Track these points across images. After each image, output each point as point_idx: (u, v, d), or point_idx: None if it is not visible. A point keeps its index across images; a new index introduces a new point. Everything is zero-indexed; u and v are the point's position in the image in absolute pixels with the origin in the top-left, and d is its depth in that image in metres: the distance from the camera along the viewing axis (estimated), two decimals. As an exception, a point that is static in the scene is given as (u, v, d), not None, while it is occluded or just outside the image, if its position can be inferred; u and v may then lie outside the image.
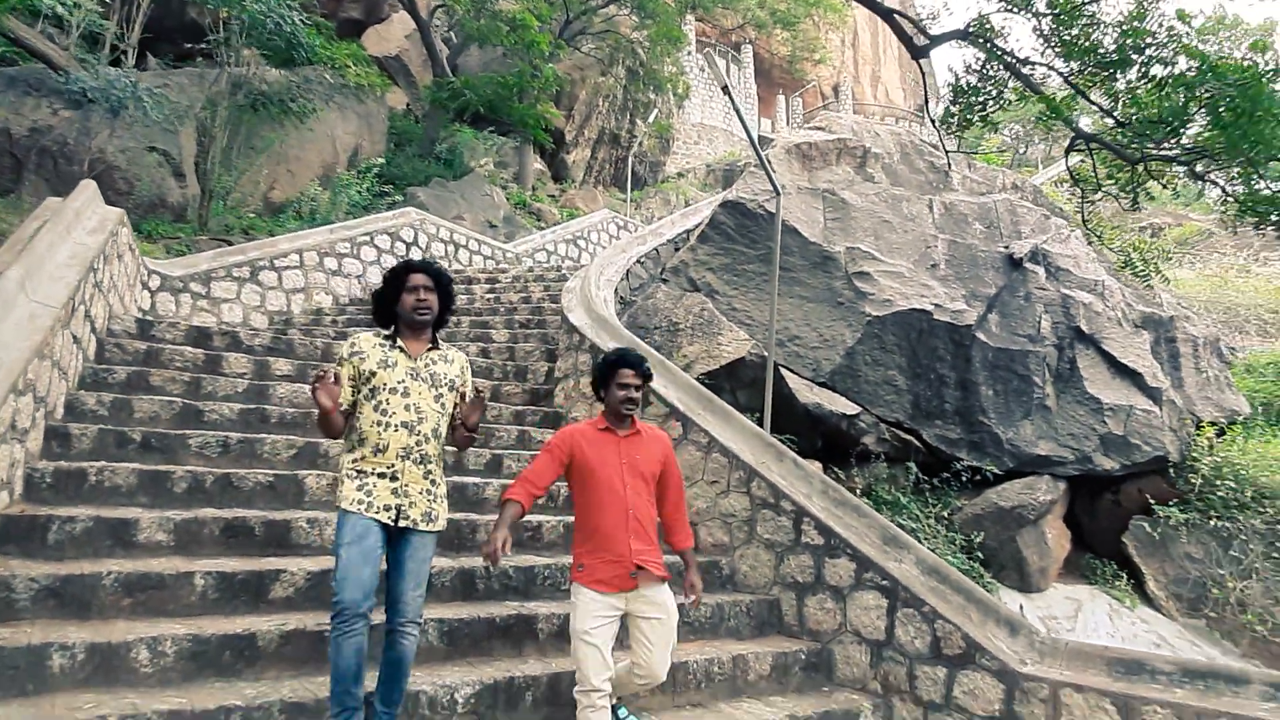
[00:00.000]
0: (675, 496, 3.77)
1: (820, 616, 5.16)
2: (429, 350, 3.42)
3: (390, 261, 11.45)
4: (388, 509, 3.21)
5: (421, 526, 3.28)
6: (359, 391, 3.31)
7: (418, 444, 3.28)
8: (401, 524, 3.22)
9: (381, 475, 3.22)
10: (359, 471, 3.24)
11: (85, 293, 5.24)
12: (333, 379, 3.18)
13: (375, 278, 11.09)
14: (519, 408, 7.27)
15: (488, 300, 10.22)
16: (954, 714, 4.48)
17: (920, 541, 5.16)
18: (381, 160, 14.69)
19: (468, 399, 3.44)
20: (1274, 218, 6.23)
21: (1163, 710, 3.77)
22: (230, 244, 11.28)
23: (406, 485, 3.25)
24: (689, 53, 30.10)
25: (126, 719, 3.10)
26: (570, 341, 7.50)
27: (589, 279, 8.14)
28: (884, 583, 4.89)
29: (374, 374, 3.28)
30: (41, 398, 4.43)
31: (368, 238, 11.15)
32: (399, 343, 3.37)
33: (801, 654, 4.98)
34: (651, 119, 22.27)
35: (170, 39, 14.99)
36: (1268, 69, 5.45)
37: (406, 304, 3.35)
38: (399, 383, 3.29)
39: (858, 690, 4.86)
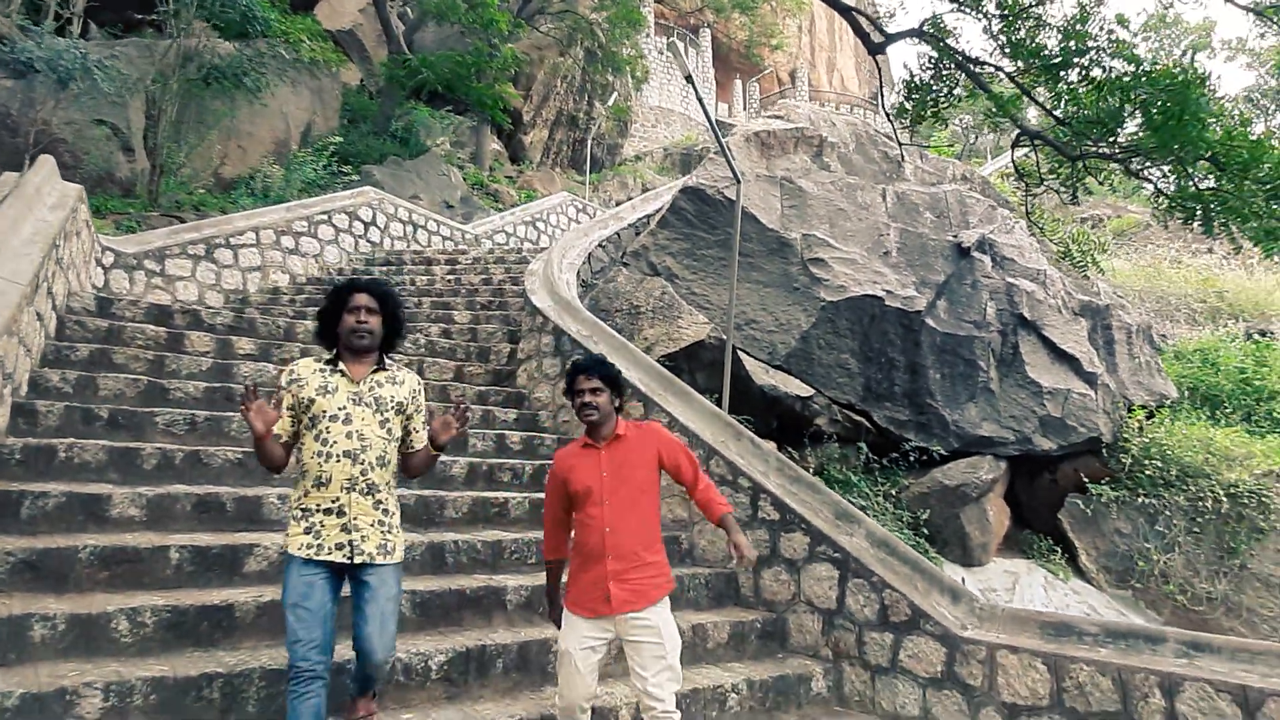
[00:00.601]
0: (691, 477, 3.55)
1: (775, 588, 5.41)
2: (374, 372, 3.19)
3: (349, 242, 11.40)
4: (340, 547, 2.99)
5: (378, 560, 3.05)
6: (299, 422, 3.09)
7: (363, 473, 3.05)
8: (357, 560, 3.01)
9: (328, 511, 3.01)
10: (304, 510, 3.03)
11: (48, 270, 5.21)
12: (270, 400, 2.98)
13: (333, 257, 11.04)
14: (482, 388, 7.39)
15: (449, 281, 10.25)
16: (900, 676, 4.77)
17: (870, 518, 5.44)
18: (339, 138, 14.49)
19: (419, 423, 3.28)
20: (1200, 214, 6.64)
21: (1088, 667, 4.10)
22: (182, 220, 11.09)
23: (356, 519, 3.03)
24: (647, 35, 30.12)
25: (112, 685, 3.20)
26: (533, 324, 7.63)
27: (552, 262, 8.26)
28: (836, 555, 5.16)
29: (313, 401, 3.05)
30: (9, 374, 4.43)
31: (325, 216, 11.06)
32: (340, 366, 3.15)
33: (758, 623, 5.23)
34: (611, 101, 22.28)
35: (116, 8, 14.54)
36: (1195, 76, 5.82)
37: (345, 324, 3.13)
38: (340, 409, 3.06)
39: (810, 656, 5.12)
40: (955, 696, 4.54)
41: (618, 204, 17.70)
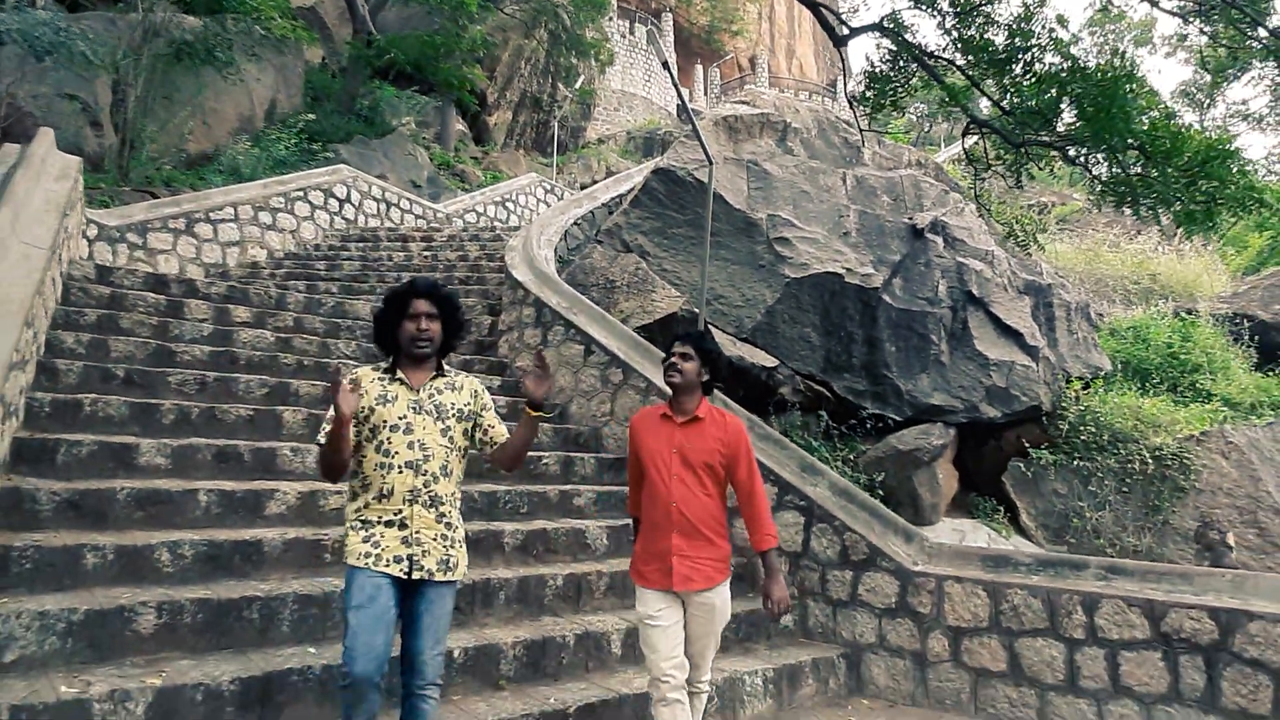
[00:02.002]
0: (745, 493, 3.38)
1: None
2: (433, 379, 3.07)
3: (324, 218, 11.60)
4: (399, 560, 2.87)
5: (438, 577, 2.92)
6: (360, 433, 2.97)
7: (426, 485, 2.93)
8: (416, 576, 2.87)
9: (389, 524, 2.90)
10: (364, 522, 2.93)
11: (60, 237, 5.45)
12: (349, 384, 2.81)
13: (310, 233, 11.24)
14: (466, 357, 7.75)
15: (425, 258, 10.55)
16: (858, 609, 5.32)
17: (832, 471, 5.96)
18: (311, 116, 14.59)
19: (492, 419, 3.13)
20: (1130, 198, 7.28)
21: (1022, 590, 4.68)
22: (154, 196, 11.19)
23: (418, 532, 2.91)
24: (610, 18, 30.33)
25: (164, 605, 3.56)
26: (514, 296, 8.01)
27: (531, 238, 8.64)
28: (802, 503, 5.68)
29: (373, 411, 2.95)
30: (35, 334, 4.70)
31: (301, 193, 11.26)
32: (399, 374, 3.03)
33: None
34: (579, 84, 22.53)
35: (77, -20, 14.40)
36: (1123, 71, 6.43)
37: (406, 332, 2.99)
38: (400, 418, 2.95)
39: (778, 594, 5.64)
40: (907, 623, 5.10)
41: (583, 186, 18.06)
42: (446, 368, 3.17)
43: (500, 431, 3.14)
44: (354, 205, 12.15)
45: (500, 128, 23.31)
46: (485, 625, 4.44)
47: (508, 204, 15.61)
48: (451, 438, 3.03)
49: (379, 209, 12.67)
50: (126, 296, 6.27)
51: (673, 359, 3.41)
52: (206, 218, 9.76)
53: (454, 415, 3.04)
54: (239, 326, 6.58)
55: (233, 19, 14.17)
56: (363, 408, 2.94)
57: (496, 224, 14.72)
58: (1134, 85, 6.50)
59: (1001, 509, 9.26)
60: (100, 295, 6.16)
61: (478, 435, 3.12)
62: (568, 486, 5.98)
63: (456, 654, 3.99)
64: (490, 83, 21.96)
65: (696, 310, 8.15)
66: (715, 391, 3.62)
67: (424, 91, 20.38)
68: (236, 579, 4.04)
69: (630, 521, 3.86)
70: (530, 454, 6.17)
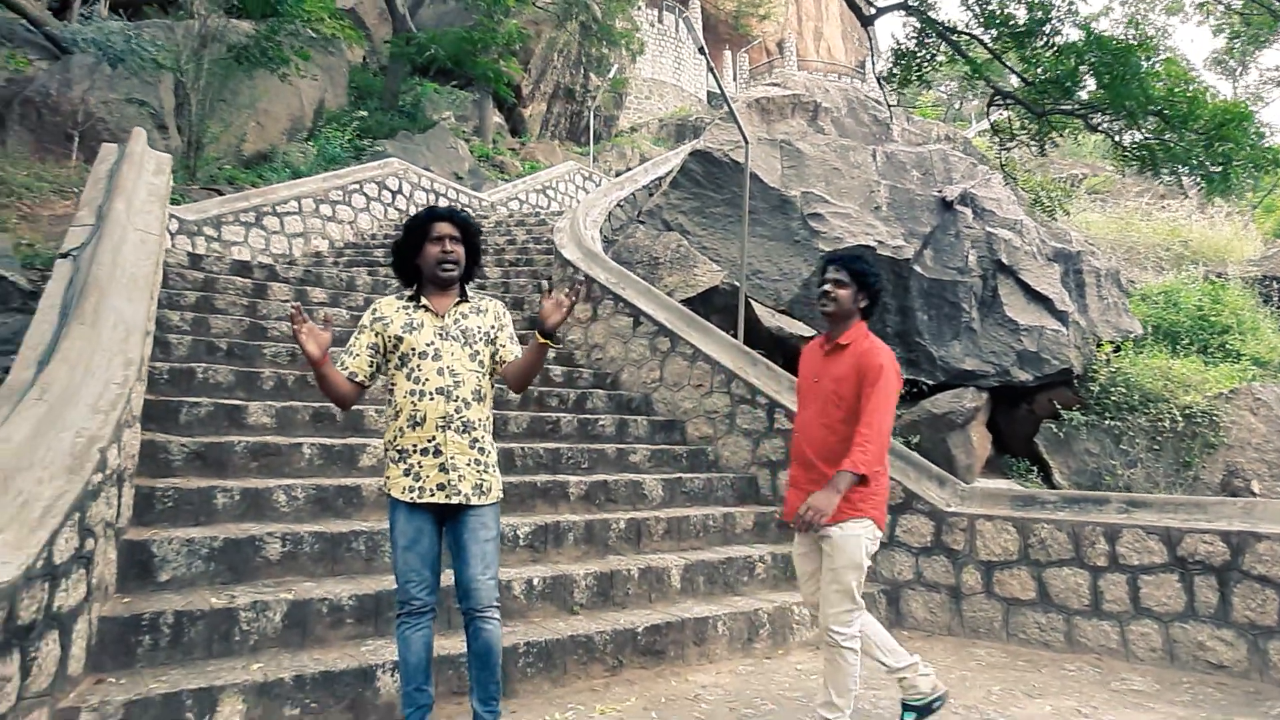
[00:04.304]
0: (860, 414, 3.12)
1: (790, 486, 6.36)
2: (457, 304, 3.08)
3: (379, 209, 12.21)
4: (441, 488, 2.92)
5: (474, 501, 2.95)
6: (389, 361, 3.02)
7: (457, 411, 2.94)
8: (454, 500, 2.93)
9: (424, 451, 2.92)
10: (400, 451, 2.96)
11: (162, 225, 6.05)
12: (318, 323, 2.88)
13: (366, 223, 11.86)
14: (522, 331, 8.26)
15: (475, 243, 11.09)
16: (896, 549, 5.73)
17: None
18: (364, 113, 15.21)
19: (507, 338, 3.13)
20: (1150, 161, 7.54)
21: (1048, 525, 5.08)
22: (220, 193, 11.87)
23: (453, 458, 2.93)
24: (639, 7, 30.65)
25: (286, 535, 4.12)
26: (564, 274, 8.50)
27: (577, 219, 9.13)
28: (841, 454, 6.10)
29: (400, 339, 2.97)
30: (152, 310, 5.29)
31: (357, 186, 11.88)
32: (424, 301, 3.05)
33: (776, 515, 6.18)
34: (612, 74, 22.97)
35: (139, -10, 15.17)
36: (1138, 40, 6.71)
37: (430, 256, 3.00)
38: (428, 345, 2.97)
39: (821, 539, 6.08)
40: (942, 560, 5.51)
41: (618, 174, 18.52)
42: (470, 292, 3.17)
43: (511, 350, 3.13)
44: (405, 196, 12.74)
45: (535, 119, 23.84)
46: (558, 562, 4.95)
47: (548, 191, 16.14)
48: (481, 362, 3.04)
49: (428, 199, 13.26)
50: (217, 280, 6.88)
51: (825, 286, 3.22)
52: (273, 210, 10.39)
53: (481, 339, 3.06)
54: (317, 305, 7.16)
55: (284, 21, 14.85)
56: (390, 337, 2.98)
57: (539, 210, 15.26)
58: (1148, 53, 6.78)
59: (1034, 469, 9.58)
60: (195, 279, 6.77)
61: (491, 350, 3.10)
62: (624, 445, 6.47)
63: (536, 583, 4.50)
64: (525, 75, 22.50)
65: (737, 284, 8.58)
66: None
67: (462, 86, 20.98)
68: (342, 519, 4.59)
69: None
70: (587, 416, 6.73)
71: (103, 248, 4.67)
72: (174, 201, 11.54)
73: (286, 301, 7.03)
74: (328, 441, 5.06)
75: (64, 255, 4.71)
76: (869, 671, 4.57)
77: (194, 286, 6.68)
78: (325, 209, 11.16)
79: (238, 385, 5.43)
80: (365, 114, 15.37)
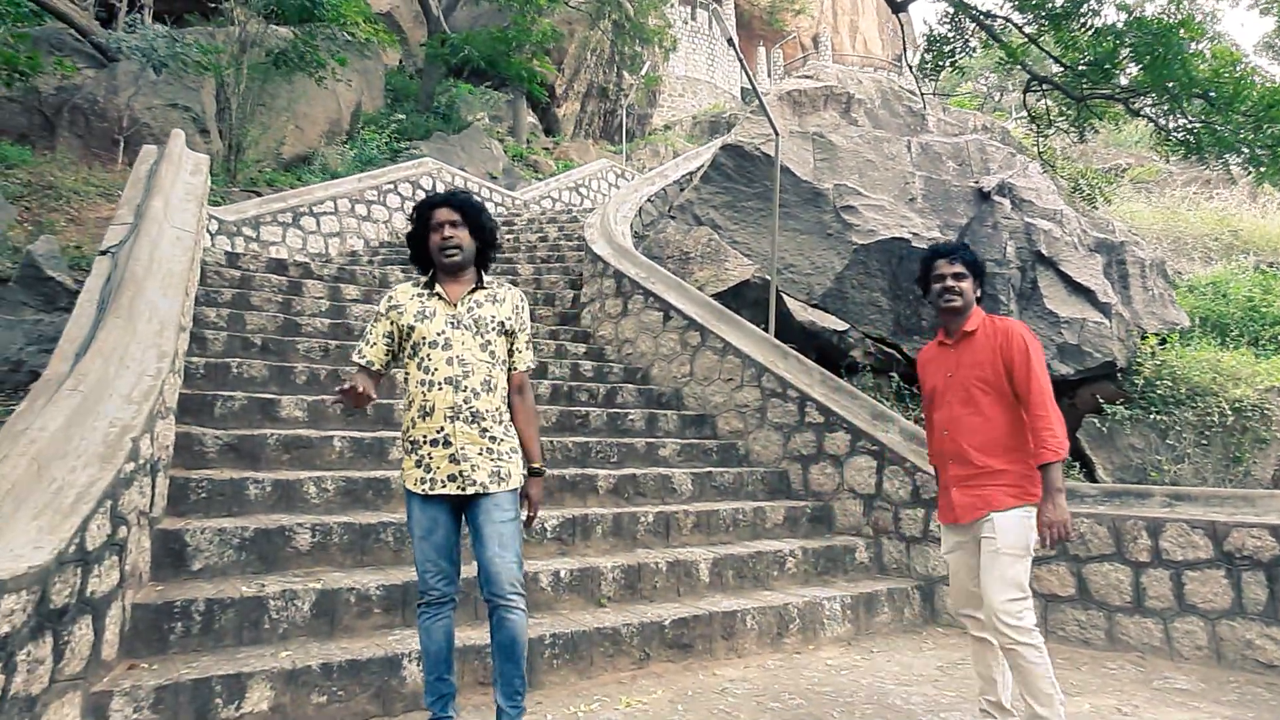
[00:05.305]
0: (1021, 399, 3.04)
1: (822, 480, 6.28)
2: (472, 292, 3.04)
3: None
4: (452, 479, 2.90)
5: (491, 489, 2.91)
6: (403, 350, 3.02)
7: (466, 401, 2.91)
8: (469, 491, 2.90)
9: (434, 442, 2.90)
10: (413, 443, 2.95)
11: (199, 224, 6.17)
12: (354, 387, 2.82)
13: (400, 223, 11.99)
14: (553, 327, 8.30)
15: (508, 240, 11.17)
16: (930, 545, 5.63)
17: (901, 417, 6.25)
18: (401, 116, 15.38)
19: (522, 342, 3.11)
20: (1194, 145, 7.29)
21: (1089, 519, 4.94)
22: (260, 194, 12.10)
23: (463, 448, 2.89)
24: (671, 5, 30.59)
25: (316, 526, 4.17)
26: (595, 269, 8.51)
27: (608, 215, 9.13)
28: (874, 448, 6.01)
29: (412, 328, 2.96)
30: (187, 307, 5.40)
31: (391, 186, 12.02)
32: (438, 289, 3.02)
33: (808, 509, 6.12)
34: (644, 72, 22.97)
35: (182, -1, 15.53)
36: (1179, 20, 6.49)
37: (433, 244, 3.00)
38: (439, 334, 2.94)
39: (854, 534, 6.00)
40: (977, 555, 5.39)
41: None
42: (487, 279, 3.12)
43: (523, 359, 3.12)
44: (439, 195, 12.85)
45: (569, 118, 23.92)
46: (585, 554, 4.95)
47: (581, 189, 16.17)
48: (493, 352, 3.00)
49: (461, 198, 13.35)
50: (254, 278, 7.00)
51: (946, 283, 3.16)
52: (310, 211, 10.56)
53: (494, 329, 3.01)
54: (350, 303, 7.25)
55: (316, 26, 15.09)
56: (403, 325, 2.98)
57: (571, 208, 15.30)
58: (1192, 33, 6.56)
59: (1077, 464, 9.35)
60: (231, 277, 6.90)
61: (506, 344, 3.08)
62: (653, 440, 6.45)
63: (563, 575, 4.50)
64: (558, 75, 22.58)
65: (768, 278, 8.51)
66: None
67: (496, 87, 21.13)
68: (371, 510, 4.64)
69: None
70: (617, 411, 6.72)
71: (140, 244, 4.77)
72: (215, 203, 11.80)
73: (320, 298, 7.12)
74: (358, 434, 5.11)
75: (103, 252, 4.82)
76: (900, 668, 4.51)
77: (231, 284, 6.81)
78: (360, 209, 11.30)
79: (271, 379, 5.52)
80: (402, 116, 15.52)
